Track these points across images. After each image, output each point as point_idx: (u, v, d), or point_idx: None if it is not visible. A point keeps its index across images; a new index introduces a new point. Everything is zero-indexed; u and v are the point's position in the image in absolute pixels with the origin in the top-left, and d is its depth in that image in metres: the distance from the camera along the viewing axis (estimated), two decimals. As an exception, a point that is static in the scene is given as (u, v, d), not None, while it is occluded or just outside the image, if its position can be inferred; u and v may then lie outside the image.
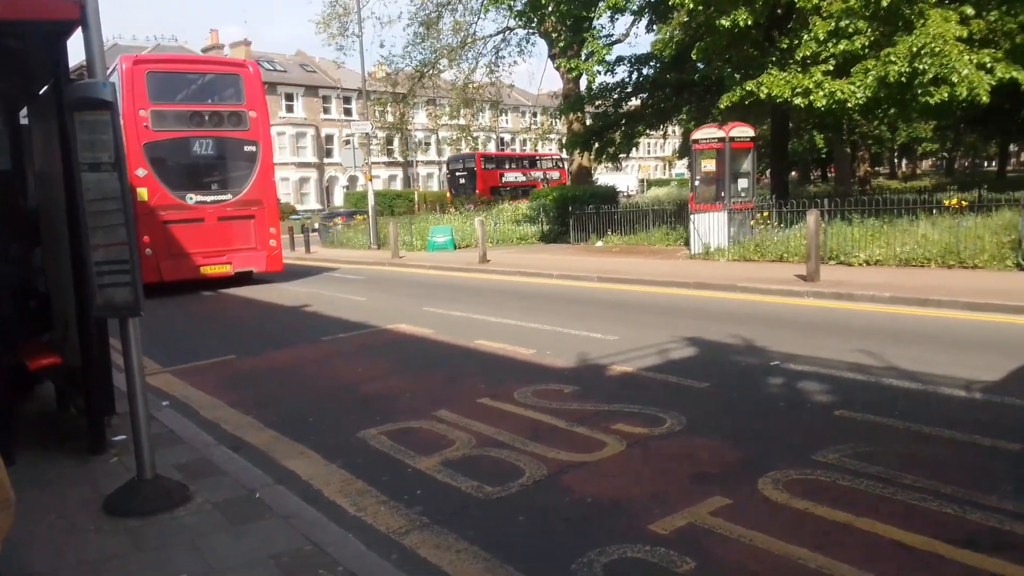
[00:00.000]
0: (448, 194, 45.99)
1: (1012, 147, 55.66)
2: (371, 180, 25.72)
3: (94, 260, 3.99)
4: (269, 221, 15.79)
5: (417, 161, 59.91)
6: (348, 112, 55.99)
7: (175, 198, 14.73)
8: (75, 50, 4.77)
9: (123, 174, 3.90)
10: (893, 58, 14.07)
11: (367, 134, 27.35)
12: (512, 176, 48.24)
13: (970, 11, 14.50)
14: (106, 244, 3.94)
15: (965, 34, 13.93)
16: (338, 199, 53.74)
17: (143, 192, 14.19)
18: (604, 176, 49.89)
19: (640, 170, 78.32)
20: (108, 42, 47.23)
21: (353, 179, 52.90)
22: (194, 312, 13.22)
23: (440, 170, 63.11)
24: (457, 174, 47.20)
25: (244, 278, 16.30)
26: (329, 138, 55.46)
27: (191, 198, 14.86)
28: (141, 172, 14.23)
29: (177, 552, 3.67)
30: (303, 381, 7.43)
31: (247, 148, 15.26)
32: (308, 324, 10.99)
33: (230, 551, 3.64)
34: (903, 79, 14.16)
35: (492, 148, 66.80)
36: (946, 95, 13.85)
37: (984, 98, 13.70)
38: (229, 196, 15.28)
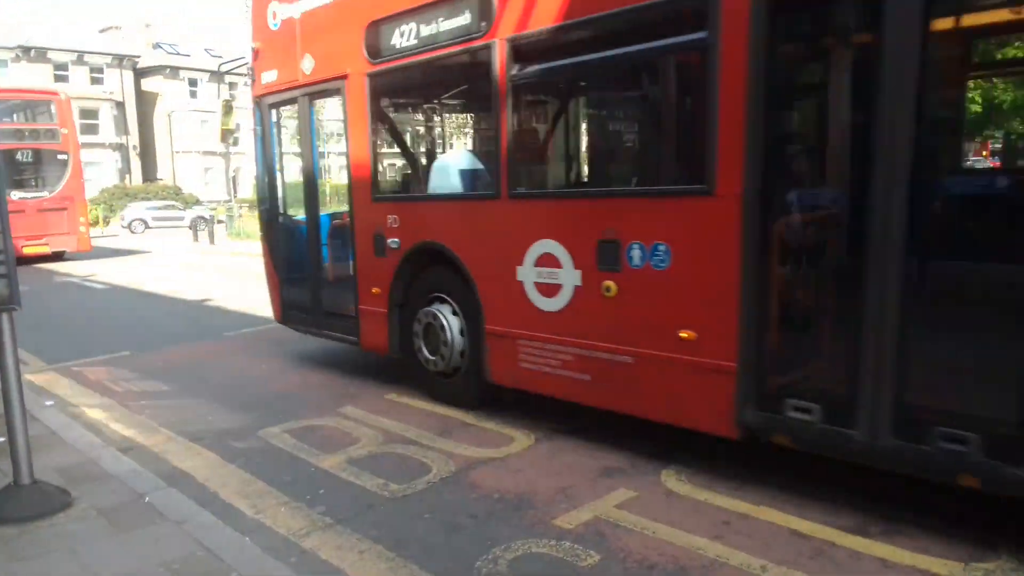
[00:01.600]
0: None
1: None
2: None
3: (-36, 250, 3.68)
4: (79, 212, 20.20)
5: (328, 152, 58.69)
6: (256, 100, 54.31)
7: None
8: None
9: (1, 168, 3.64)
10: None
11: (276, 123, 26.53)
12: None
13: None
14: (-24, 233, 3.65)
15: None
16: (246, 189, 52.01)
17: None
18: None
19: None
20: (-8, 18, 44.33)
21: (261, 169, 51.34)
22: (90, 307, 12.52)
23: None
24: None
25: (79, 257, 20.33)
26: (236, 126, 53.62)
27: (15, 195, 18.40)
28: None
29: (56, 562, 3.43)
30: (203, 378, 7.12)
31: (60, 157, 19.70)
32: (211, 319, 10.57)
33: (116, 559, 3.43)
34: None
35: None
36: None
37: None
38: (46, 193, 19.49)
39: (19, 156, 19.23)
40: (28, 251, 18.62)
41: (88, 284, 15.27)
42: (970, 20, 4.15)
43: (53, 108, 19.85)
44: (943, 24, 3.80)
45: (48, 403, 6.08)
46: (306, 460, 4.81)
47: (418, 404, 5.90)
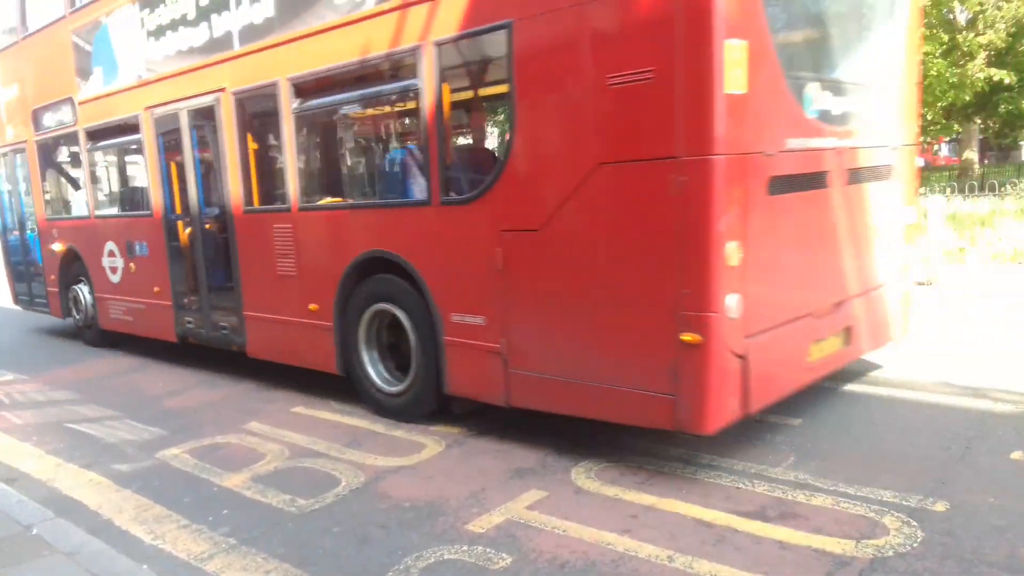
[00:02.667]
0: None
1: None
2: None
3: None
4: None
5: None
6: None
7: None
8: None
9: None
10: None
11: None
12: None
13: None
14: None
15: None
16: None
17: None
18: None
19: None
20: None
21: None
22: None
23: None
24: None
25: None
26: None
27: None
28: None
29: (-70, 607, 3.19)
30: (97, 400, 6.76)
31: None
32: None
33: (-2, 599, 3.22)
34: None
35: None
36: None
37: None
38: None
39: None
40: None
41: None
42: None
43: None
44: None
45: (-80, 435, 5.66)
46: (208, 480, 4.64)
47: (326, 416, 5.78)
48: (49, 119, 9.05)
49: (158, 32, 7.10)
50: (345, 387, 6.28)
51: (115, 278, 8.41)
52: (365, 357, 5.74)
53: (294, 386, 6.66)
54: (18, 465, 5.10)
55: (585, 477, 4.32)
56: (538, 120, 4.42)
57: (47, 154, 9.66)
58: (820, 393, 5.75)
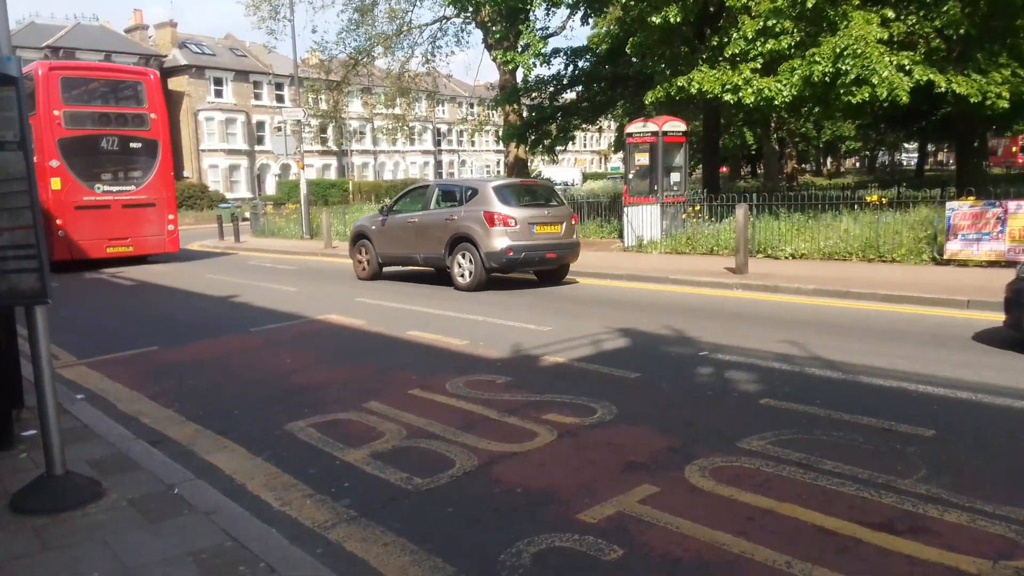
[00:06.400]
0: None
1: (930, 147, 58.17)
2: (303, 168, 25.20)
3: (-2, 245, 3.80)
4: (168, 209, 18.32)
5: (352, 150, 58.92)
6: (280, 99, 54.55)
7: (85, 188, 17.00)
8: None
9: (29, 154, 3.68)
10: (818, 58, 14.51)
11: (299, 121, 26.75)
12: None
13: (891, 14, 15.04)
14: (10, 228, 3.72)
15: (886, 36, 14.45)
16: (270, 187, 52.44)
17: (56, 182, 16.47)
18: (547, 169, 49.99)
19: (576, 163, 78.90)
20: (25, 19, 45.09)
21: (286, 167, 51.64)
22: (118, 303, 12.72)
23: (375, 159, 62.29)
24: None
25: (159, 259, 18.66)
26: (261, 125, 53.94)
27: (99, 188, 17.14)
28: (55, 163, 16.45)
29: (88, 551, 3.50)
30: (229, 373, 7.22)
31: (148, 146, 17.80)
32: (237, 315, 10.69)
33: (145, 549, 3.49)
34: (827, 79, 14.62)
35: (428, 140, 66.33)
36: (867, 95, 14.35)
37: (904, 98, 14.24)
38: (133, 187, 17.74)
39: (103, 144, 17.07)
40: (111, 251, 17.31)
41: (116, 280, 15.49)
42: None
43: (143, 90, 17.84)
44: None
45: (79, 397, 6.20)
46: (331, 454, 4.86)
47: (441, 399, 5.93)
48: None
49: None
50: (458, 369, 6.43)
51: None
52: None
53: (412, 369, 6.87)
54: (162, 429, 5.51)
55: (699, 476, 4.25)
56: None
57: None
58: (955, 405, 5.42)
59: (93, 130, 16.83)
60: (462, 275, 11.93)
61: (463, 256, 11.87)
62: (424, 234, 12.59)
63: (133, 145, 17.49)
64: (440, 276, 12.86)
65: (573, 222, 12.54)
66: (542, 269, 12.50)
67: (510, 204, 11.78)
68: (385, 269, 13.93)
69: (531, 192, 13.17)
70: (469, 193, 12.27)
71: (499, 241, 11.45)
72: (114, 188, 17.29)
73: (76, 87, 17.16)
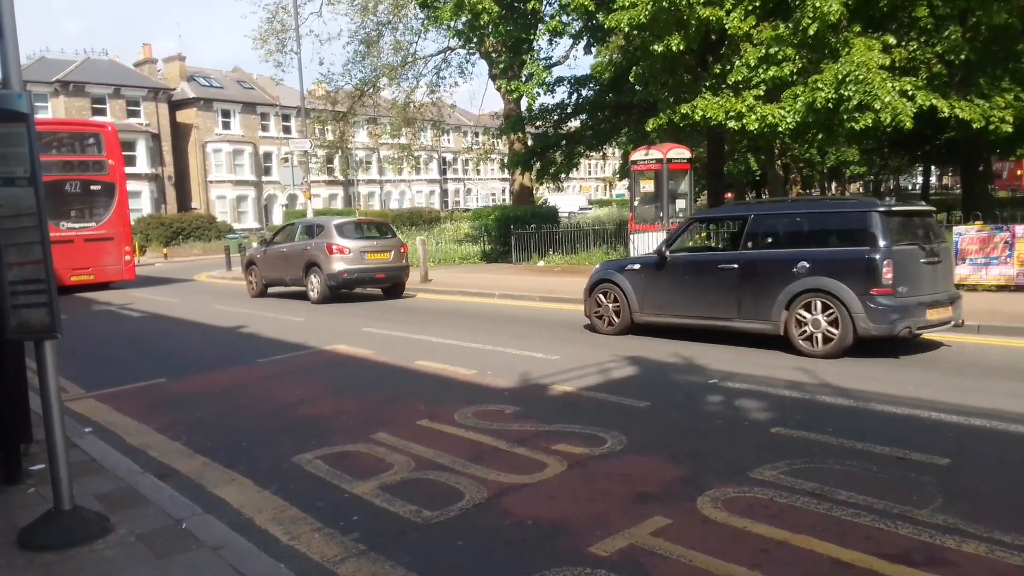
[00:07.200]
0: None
1: (935, 171, 58.30)
2: (310, 198, 25.39)
3: (8, 280, 3.78)
4: (125, 242, 20.76)
5: (358, 180, 59.34)
6: (287, 130, 55.05)
7: (52, 225, 19.54)
8: None
9: (39, 190, 3.72)
10: (820, 84, 14.58)
11: (306, 152, 27.00)
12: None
13: (892, 40, 15.14)
14: (20, 263, 3.74)
15: (888, 62, 14.53)
16: (277, 218, 52.75)
17: None
18: (552, 197, 50.21)
19: (581, 191, 79.26)
20: (35, 54, 45.67)
21: (293, 197, 51.92)
22: (124, 334, 12.74)
23: (381, 189, 62.67)
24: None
25: (119, 285, 20.76)
26: (268, 156, 54.44)
27: (64, 225, 19.15)
28: None
29: (95, 588, 3.47)
30: (237, 405, 7.20)
31: (107, 188, 20.23)
32: (244, 345, 10.69)
33: (153, 586, 3.46)
34: (830, 105, 14.68)
35: (434, 168, 66.77)
36: (870, 121, 14.40)
37: (908, 124, 14.28)
38: (94, 223, 20.05)
39: (67, 187, 19.42)
40: (74, 279, 19.17)
41: (125, 312, 15.55)
42: None
43: (101, 140, 20.42)
44: None
45: (87, 430, 6.18)
46: (339, 486, 4.83)
47: (450, 430, 5.90)
48: None
49: None
50: (467, 399, 6.40)
51: None
52: None
53: (420, 399, 6.85)
54: (170, 462, 5.48)
55: (712, 507, 4.20)
56: None
57: None
58: (970, 432, 5.37)
59: (59, 175, 18.93)
60: (313, 291, 15.24)
61: (315, 277, 15.16)
62: (290, 261, 15.96)
63: (93, 188, 19.93)
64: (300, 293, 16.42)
65: (403, 250, 15.86)
66: (377, 286, 15.83)
67: (347, 237, 15.04)
68: (269, 289, 17.05)
69: (368, 227, 16.78)
70: (319, 229, 15.66)
71: (337, 265, 14.76)
72: (77, 225, 19.62)
73: (44, 138, 19.12)
